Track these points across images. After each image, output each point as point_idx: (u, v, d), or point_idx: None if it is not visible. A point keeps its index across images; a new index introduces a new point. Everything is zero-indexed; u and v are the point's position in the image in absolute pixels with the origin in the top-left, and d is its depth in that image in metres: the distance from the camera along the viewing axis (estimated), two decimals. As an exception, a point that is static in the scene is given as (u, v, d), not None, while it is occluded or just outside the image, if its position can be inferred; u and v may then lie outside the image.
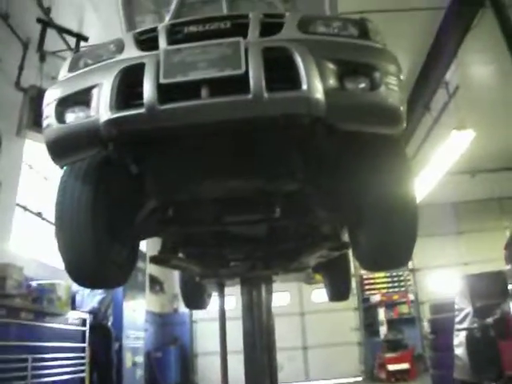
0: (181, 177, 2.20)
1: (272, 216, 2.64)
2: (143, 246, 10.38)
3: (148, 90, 1.77)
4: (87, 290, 6.73)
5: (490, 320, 5.71)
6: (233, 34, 1.90)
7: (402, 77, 1.98)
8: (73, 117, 1.96)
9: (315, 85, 1.75)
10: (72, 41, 6.72)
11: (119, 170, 2.30)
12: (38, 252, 6.99)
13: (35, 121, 5.98)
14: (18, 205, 6.50)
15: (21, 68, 6.23)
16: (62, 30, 6.58)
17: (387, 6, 6.12)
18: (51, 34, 6.53)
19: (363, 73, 1.89)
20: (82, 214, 2.21)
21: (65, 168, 2.29)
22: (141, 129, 1.84)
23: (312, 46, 1.86)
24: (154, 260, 3.08)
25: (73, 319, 6.26)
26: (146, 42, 2.05)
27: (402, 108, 1.94)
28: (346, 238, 2.97)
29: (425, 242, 13.46)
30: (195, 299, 5.15)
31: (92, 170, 2.27)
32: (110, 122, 1.81)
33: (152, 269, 11.92)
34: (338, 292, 4.95)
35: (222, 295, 4.19)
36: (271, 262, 3.53)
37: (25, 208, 6.73)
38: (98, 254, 2.27)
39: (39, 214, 7.10)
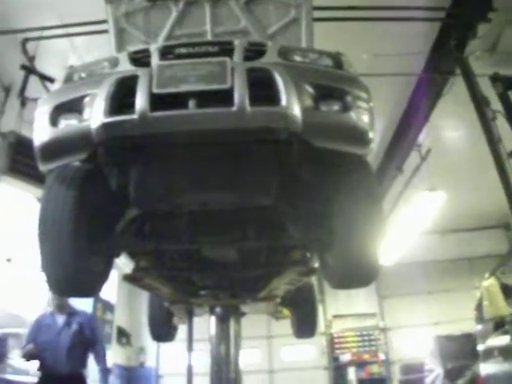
0: (163, 185, 2.28)
1: (246, 235, 2.73)
2: (113, 297, 10.17)
3: (141, 98, 1.90)
4: None
5: (460, 382, 5.71)
6: (219, 57, 2.09)
7: (371, 103, 2.17)
8: (66, 122, 2.07)
9: (293, 103, 1.92)
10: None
11: (101, 180, 2.38)
12: (2, 299, 6.79)
13: (12, 166, 5.95)
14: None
15: (1, 113, 6.26)
16: (45, 78, 6.64)
17: (361, 71, 6.35)
18: (33, 80, 6.59)
19: (336, 96, 2.09)
20: (64, 221, 2.27)
21: (49, 177, 2.36)
22: (131, 134, 1.94)
23: (291, 69, 2.05)
24: (128, 278, 3.17)
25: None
26: (140, 59, 2.21)
27: (370, 130, 2.13)
28: (314, 264, 3.07)
29: (395, 301, 13.69)
30: (162, 330, 5.19)
31: (75, 180, 2.33)
32: (103, 125, 1.91)
33: (120, 321, 11.64)
34: (305, 328, 5.01)
35: (190, 323, 4.21)
36: (240, 290, 3.64)
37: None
38: (77, 263, 2.32)
39: (8, 260, 6.94)
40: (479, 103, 5.82)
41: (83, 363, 4.95)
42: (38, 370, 4.74)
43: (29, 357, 4.75)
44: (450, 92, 6.59)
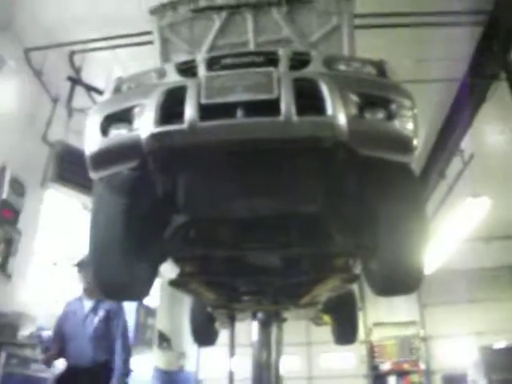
0: (211, 192, 2.33)
1: (290, 242, 2.78)
2: (154, 303, 10.35)
3: (190, 108, 1.96)
4: None
5: (506, 394, 5.57)
6: (265, 66, 2.14)
7: (415, 111, 2.17)
8: (116, 132, 2.13)
9: (339, 112, 1.94)
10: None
11: (149, 188, 2.42)
12: (50, 302, 7.00)
13: (59, 174, 6.18)
14: (34, 253, 6.57)
15: (49, 123, 6.49)
16: (90, 89, 6.86)
17: (404, 77, 6.30)
18: (79, 91, 6.82)
19: (381, 105, 2.10)
20: (114, 227, 2.36)
21: (98, 185, 2.44)
22: (181, 143, 2.00)
23: (336, 79, 2.08)
24: (173, 283, 3.24)
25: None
26: (187, 70, 2.28)
27: (414, 138, 2.13)
28: (357, 271, 3.08)
29: (437, 309, 13.42)
30: (203, 334, 5.22)
31: (125, 188, 2.40)
32: (153, 135, 1.98)
33: (161, 325, 11.80)
34: (345, 335, 5.01)
35: (232, 328, 4.25)
36: (283, 297, 3.66)
37: (41, 257, 6.80)
38: (126, 268, 2.42)
39: (55, 264, 7.16)
40: (524, 107, 5.69)
41: (110, 354, 4.54)
42: (64, 361, 4.65)
43: (48, 361, 4.69)
44: (493, 96, 6.46)
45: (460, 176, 8.20)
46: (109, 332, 4.60)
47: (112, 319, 4.64)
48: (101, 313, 4.63)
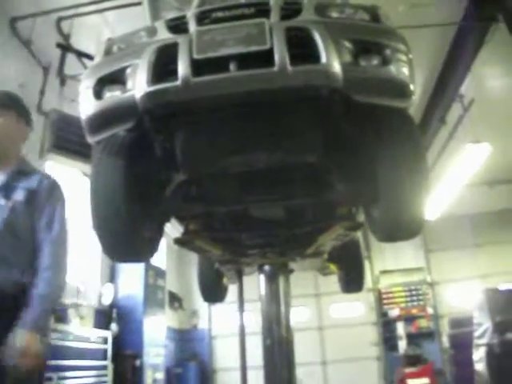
0: (208, 148, 2.33)
1: (292, 193, 2.80)
2: (162, 265, 10.50)
3: (183, 65, 1.94)
4: None
5: (510, 335, 5.67)
6: (256, 18, 2.10)
7: (410, 55, 2.15)
8: (110, 94, 2.13)
9: (333, 59, 1.93)
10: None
11: (148, 148, 2.44)
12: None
13: (56, 143, 6.14)
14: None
15: (42, 92, 6.41)
16: (81, 54, 6.75)
17: (401, 23, 6.17)
18: (71, 58, 6.71)
19: (375, 51, 2.08)
20: (114, 189, 2.38)
21: (96, 149, 2.45)
22: (176, 100, 1.99)
23: (329, 26, 2.05)
24: (179, 241, 3.26)
25: (95, 338, 6.35)
26: (177, 26, 2.24)
27: (411, 82, 2.11)
28: (360, 218, 3.10)
29: (442, 255, 13.57)
30: (212, 291, 5.26)
31: (123, 149, 2.41)
32: (147, 94, 1.96)
33: (171, 286, 12.02)
34: (352, 283, 5.06)
35: (240, 283, 4.31)
36: (288, 248, 3.70)
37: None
38: (130, 229, 2.43)
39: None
40: (523, 49, 5.58)
41: (28, 272, 2.36)
42: None
43: None
44: (492, 39, 6.33)
45: (460, 122, 8.13)
46: (29, 230, 2.48)
47: (37, 208, 2.51)
48: (18, 195, 2.49)
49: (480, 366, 6.16)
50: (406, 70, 2.09)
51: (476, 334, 6.42)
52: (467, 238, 13.54)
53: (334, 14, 2.22)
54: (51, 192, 2.60)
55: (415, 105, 2.12)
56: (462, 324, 7.54)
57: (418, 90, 8.12)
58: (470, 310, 7.11)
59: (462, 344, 7.11)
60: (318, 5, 2.21)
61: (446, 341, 8.39)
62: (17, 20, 6.02)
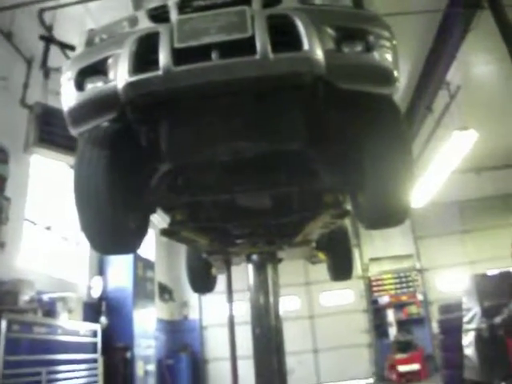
0: (192, 137, 2.30)
1: (277, 181, 2.79)
2: (152, 256, 10.48)
3: (164, 54, 1.92)
4: None
5: (498, 320, 5.73)
6: (238, 6, 2.06)
7: (394, 42, 2.13)
8: (92, 85, 2.09)
9: (315, 47, 1.91)
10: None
11: (131, 138, 2.42)
12: (46, 265, 7.07)
13: (41, 137, 6.07)
14: (26, 220, 6.57)
15: (25, 85, 6.32)
16: (64, 46, 6.66)
17: (385, 10, 6.15)
18: (54, 50, 6.62)
19: (358, 37, 2.06)
20: (98, 180, 2.35)
21: (80, 140, 2.43)
22: (157, 90, 1.96)
23: (311, 13, 2.02)
24: (165, 232, 3.22)
25: (84, 331, 6.33)
26: (159, 15, 2.20)
27: (395, 69, 2.10)
28: (346, 206, 3.09)
29: (431, 241, 13.69)
30: (201, 282, 5.24)
31: (106, 140, 2.39)
32: (129, 84, 1.94)
33: (161, 277, 12.01)
34: (341, 270, 5.07)
35: (228, 272, 4.31)
36: (275, 237, 3.69)
37: (33, 223, 6.80)
38: (115, 221, 2.41)
39: (48, 228, 7.17)
40: (509, 36, 5.58)
41: None
42: None
43: None
44: (477, 26, 6.33)
45: (447, 109, 8.15)
46: None
47: None
48: None
49: (469, 351, 6.23)
50: (389, 57, 2.08)
51: (465, 319, 6.48)
52: (455, 224, 13.66)
53: (317, 1, 2.20)
54: None
55: (402, 93, 2.10)
56: (451, 310, 7.59)
57: (404, 77, 8.12)
58: (459, 295, 7.17)
59: (451, 329, 7.17)
60: None
61: (435, 326, 8.44)
62: (-3, 12, 5.90)
